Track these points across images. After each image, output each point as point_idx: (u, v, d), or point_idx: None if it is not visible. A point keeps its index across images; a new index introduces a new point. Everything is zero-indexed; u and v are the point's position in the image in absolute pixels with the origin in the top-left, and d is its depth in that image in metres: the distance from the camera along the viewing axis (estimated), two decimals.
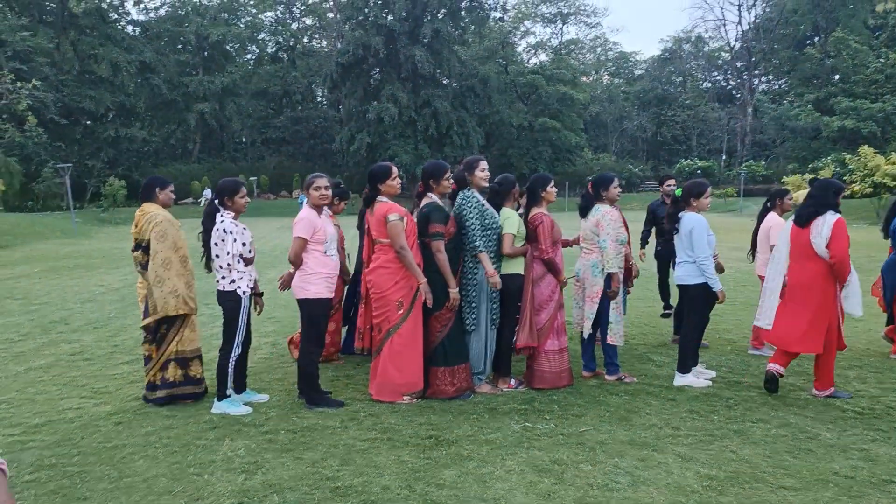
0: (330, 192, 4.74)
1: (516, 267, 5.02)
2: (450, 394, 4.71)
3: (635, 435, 4.03)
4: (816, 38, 51.35)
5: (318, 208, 4.71)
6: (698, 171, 44.49)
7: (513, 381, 5.11)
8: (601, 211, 5.18)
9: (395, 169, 4.73)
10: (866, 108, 39.07)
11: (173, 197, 5.03)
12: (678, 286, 5.29)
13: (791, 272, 4.85)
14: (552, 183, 5.20)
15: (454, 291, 4.67)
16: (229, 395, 4.62)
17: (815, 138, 42.49)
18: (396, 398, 4.65)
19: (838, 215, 4.66)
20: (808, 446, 3.81)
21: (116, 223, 28.19)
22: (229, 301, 4.58)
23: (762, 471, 3.49)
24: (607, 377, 5.27)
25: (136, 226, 4.77)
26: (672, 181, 7.62)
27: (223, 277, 4.59)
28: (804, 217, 4.75)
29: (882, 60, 41.24)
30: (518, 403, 4.69)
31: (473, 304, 4.89)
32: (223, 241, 4.52)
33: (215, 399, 4.62)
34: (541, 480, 3.42)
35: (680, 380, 5.13)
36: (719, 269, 5.53)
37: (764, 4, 55.14)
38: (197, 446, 3.94)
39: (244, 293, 4.58)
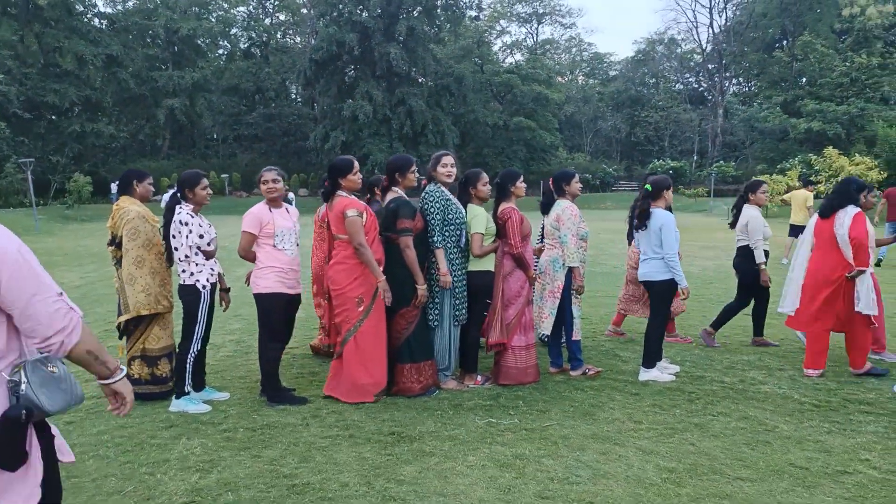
0: (278, 185, 4.64)
1: (486, 263, 4.99)
2: (416, 391, 4.67)
3: (598, 429, 4.03)
4: (784, 42, 52.40)
5: (273, 202, 4.63)
6: (670, 172, 45.08)
7: (479, 378, 5.08)
8: (562, 206, 5.19)
9: (356, 163, 4.65)
10: (832, 111, 39.97)
11: (152, 189, 4.89)
12: (643, 283, 5.32)
13: (813, 260, 5.36)
14: (521, 178, 5.18)
15: (422, 288, 4.61)
16: (188, 393, 4.52)
17: (783, 140, 43.34)
18: (368, 398, 4.56)
19: (858, 209, 5.18)
20: (765, 438, 3.85)
21: (82, 220, 27.58)
22: (188, 295, 4.48)
23: (720, 463, 3.51)
24: (572, 373, 5.27)
25: (112, 219, 4.67)
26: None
27: (183, 271, 4.49)
28: (828, 209, 5.26)
29: (847, 64, 42.23)
30: (483, 399, 4.66)
31: (437, 300, 4.85)
32: (179, 233, 4.43)
33: (173, 397, 4.52)
34: (502, 475, 3.40)
35: (644, 374, 5.16)
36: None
37: (734, 8, 56.10)
38: (151, 445, 3.84)
39: (203, 287, 4.49)
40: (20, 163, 28.05)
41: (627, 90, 58.71)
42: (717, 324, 6.36)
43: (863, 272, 5.05)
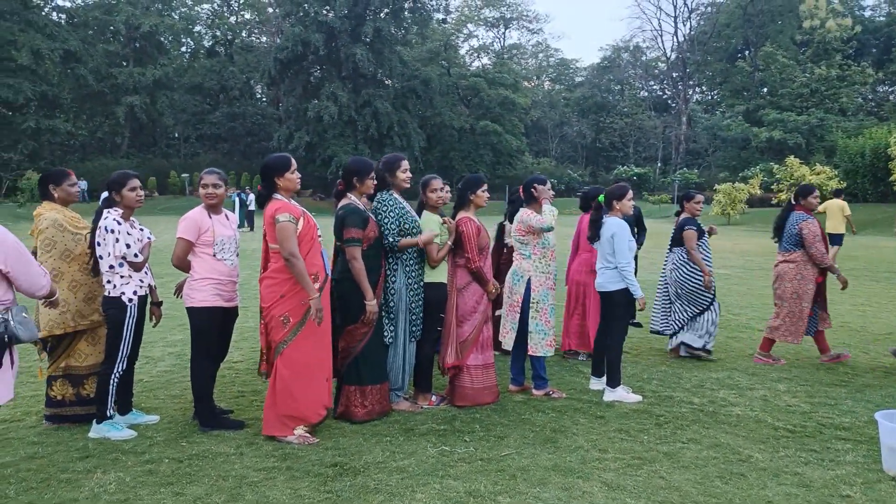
0: (219, 191, 4.21)
1: (439, 275, 4.65)
2: (360, 416, 4.25)
3: (560, 459, 3.71)
4: (747, 52, 53.39)
5: (212, 208, 4.21)
6: (634, 178, 45.48)
7: (434, 398, 4.73)
8: (519, 215, 4.93)
9: (293, 161, 4.15)
10: (792, 121, 40.72)
11: (75, 191, 4.34)
12: (599, 293, 5.05)
13: None
14: (485, 186, 4.85)
15: (371, 304, 4.19)
16: (111, 417, 4.06)
17: (745, 148, 44.03)
18: (286, 433, 3.93)
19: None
20: (739, 470, 3.57)
21: (33, 219, 26.43)
22: (112, 308, 4.02)
23: (692, 500, 3.21)
24: (534, 392, 4.95)
25: (32, 229, 4.20)
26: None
27: (108, 282, 4.04)
28: None
29: (808, 75, 43.10)
30: (437, 423, 4.31)
31: (392, 316, 4.48)
32: (104, 240, 3.97)
33: (94, 421, 4.06)
34: None
35: (610, 395, 4.87)
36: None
37: (698, 17, 57.03)
38: (59, 481, 3.38)
39: (130, 300, 4.04)
40: None
41: (593, 96, 59.20)
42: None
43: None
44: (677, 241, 6.18)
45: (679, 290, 6.13)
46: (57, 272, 4.06)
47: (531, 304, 4.86)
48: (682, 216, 6.23)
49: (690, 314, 6.05)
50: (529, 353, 4.89)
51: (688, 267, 6.06)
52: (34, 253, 4.11)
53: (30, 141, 38.13)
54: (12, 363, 3.02)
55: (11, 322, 2.93)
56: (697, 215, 6.23)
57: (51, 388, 4.21)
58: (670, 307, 6.26)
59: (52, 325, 4.05)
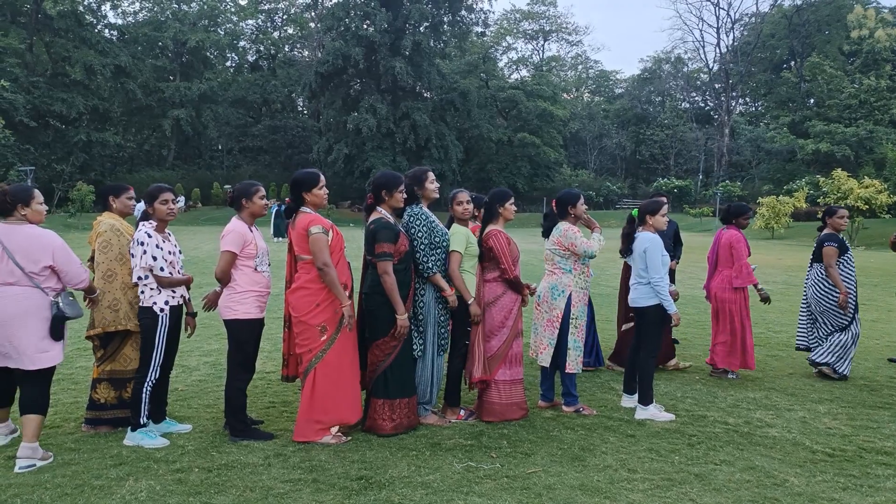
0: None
1: (468, 288, 4.64)
2: (387, 430, 4.26)
3: (587, 478, 3.65)
4: (792, 63, 52.21)
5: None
6: (675, 190, 44.77)
7: (462, 412, 4.71)
8: (562, 229, 4.85)
9: (322, 177, 4.27)
10: (840, 133, 39.61)
11: (133, 204, 4.58)
12: (633, 309, 4.97)
13: None
14: (511, 199, 4.85)
15: (402, 318, 4.22)
16: (144, 425, 4.16)
17: (790, 160, 42.99)
18: (319, 436, 4.11)
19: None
20: (773, 494, 3.46)
21: (84, 229, 27.30)
22: (145, 318, 4.14)
23: None
24: (564, 408, 4.89)
25: (91, 235, 4.45)
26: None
27: (141, 292, 4.16)
28: None
29: (856, 86, 41.94)
30: (464, 438, 4.29)
31: (421, 329, 4.49)
32: (135, 252, 4.11)
33: (129, 429, 4.16)
34: None
35: (642, 413, 4.78)
36: (674, 295, 5.35)
37: (742, 28, 56.05)
38: (92, 487, 3.47)
39: (161, 311, 4.14)
40: (20, 171, 27.92)
41: (633, 108, 58.57)
42: None
43: None
44: (817, 256, 6.06)
45: (818, 308, 6.02)
46: (111, 273, 4.26)
47: (570, 320, 4.82)
48: (825, 231, 6.09)
49: (827, 332, 5.96)
50: (567, 370, 4.84)
51: (825, 284, 5.95)
52: (91, 257, 4.41)
53: (81, 153, 39.55)
54: (63, 336, 3.93)
55: (61, 304, 3.83)
56: (842, 230, 6.09)
57: (95, 390, 4.36)
58: (814, 324, 6.13)
59: (104, 322, 4.26)
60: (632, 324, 5.48)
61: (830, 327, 5.91)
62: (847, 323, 5.85)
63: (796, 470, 3.80)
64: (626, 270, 6.05)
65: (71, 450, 4.02)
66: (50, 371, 3.89)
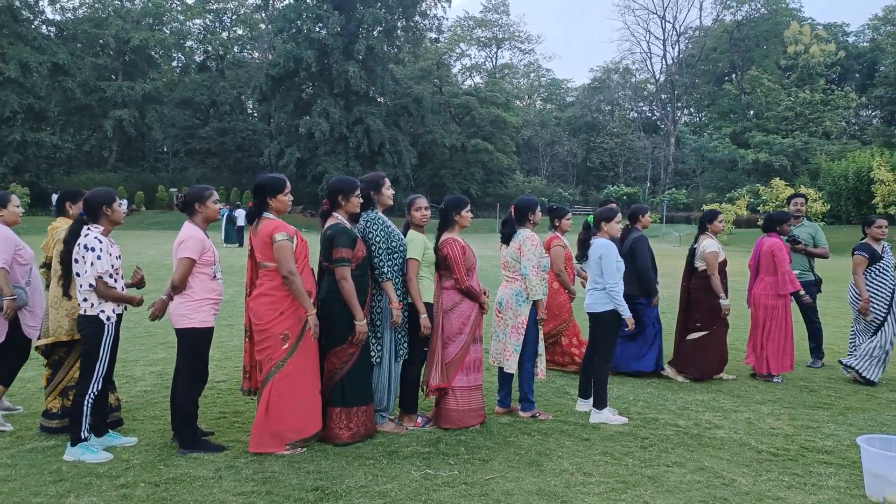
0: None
1: (425, 296, 4.61)
2: (344, 438, 4.20)
3: (544, 483, 3.67)
4: (734, 75, 54.21)
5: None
6: (624, 197, 45.82)
7: (420, 419, 4.68)
8: (523, 236, 4.87)
9: (288, 183, 4.20)
10: (778, 143, 41.30)
11: None
12: (588, 314, 5.05)
13: None
14: (468, 207, 4.85)
15: (361, 324, 4.17)
16: (85, 439, 3.97)
17: (732, 169, 44.54)
18: (278, 448, 4.02)
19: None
20: (723, 494, 3.55)
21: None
22: (90, 328, 3.96)
23: None
24: (521, 414, 4.92)
25: (46, 241, 4.37)
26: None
27: (84, 300, 3.97)
28: None
29: (792, 99, 43.81)
30: (422, 445, 4.26)
31: (378, 335, 4.45)
32: (83, 258, 3.92)
33: (68, 444, 3.97)
34: None
35: (596, 416, 4.84)
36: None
37: (686, 41, 57.92)
38: None
39: (108, 318, 3.98)
40: None
41: (583, 116, 59.76)
42: None
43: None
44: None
45: (853, 314, 6.30)
46: (71, 281, 4.12)
47: (537, 327, 4.87)
48: (863, 241, 6.22)
49: (864, 338, 6.14)
50: (538, 377, 4.92)
51: (853, 291, 6.20)
52: (48, 264, 4.34)
53: (15, 154, 37.87)
54: None
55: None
56: (881, 239, 6.23)
57: (66, 398, 4.31)
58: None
59: (60, 331, 4.23)
60: (699, 334, 6.02)
61: (864, 333, 6.17)
62: (877, 327, 6.06)
63: (743, 470, 3.92)
64: (686, 279, 6.44)
65: (7, 466, 3.82)
66: None
